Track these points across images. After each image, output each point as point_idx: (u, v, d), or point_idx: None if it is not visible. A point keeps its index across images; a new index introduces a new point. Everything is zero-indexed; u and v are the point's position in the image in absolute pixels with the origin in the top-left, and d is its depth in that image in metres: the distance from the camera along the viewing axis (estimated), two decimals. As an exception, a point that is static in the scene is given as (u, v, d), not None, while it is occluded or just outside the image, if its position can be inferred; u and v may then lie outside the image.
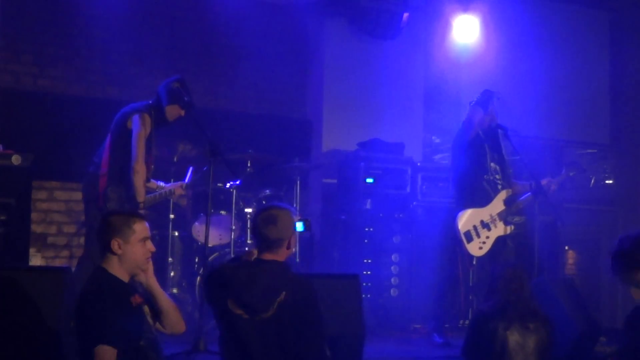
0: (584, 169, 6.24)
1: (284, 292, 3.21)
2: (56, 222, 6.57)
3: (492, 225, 5.32)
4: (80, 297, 3.13)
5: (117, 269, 3.18)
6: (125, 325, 3.05)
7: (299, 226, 3.50)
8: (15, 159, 4.69)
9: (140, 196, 4.81)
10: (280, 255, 3.36)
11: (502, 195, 5.41)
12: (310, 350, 3.22)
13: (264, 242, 3.33)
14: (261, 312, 3.19)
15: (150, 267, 3.28)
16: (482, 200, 5.37)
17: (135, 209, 4.77)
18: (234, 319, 3.22)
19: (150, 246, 3.25)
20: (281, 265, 3.35)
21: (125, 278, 3.20)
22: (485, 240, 5.30)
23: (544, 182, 5.45)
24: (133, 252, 3.18)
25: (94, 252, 4.80)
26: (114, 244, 3.15)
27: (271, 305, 3.19)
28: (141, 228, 3.22)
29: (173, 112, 5.03)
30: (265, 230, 3.30)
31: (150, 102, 5.03)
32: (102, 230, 3.21)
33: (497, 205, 5.39)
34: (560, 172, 5.72)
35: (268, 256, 3.33)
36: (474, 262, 5.45)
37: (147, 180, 5.01)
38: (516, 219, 5.44)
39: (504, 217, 5.34)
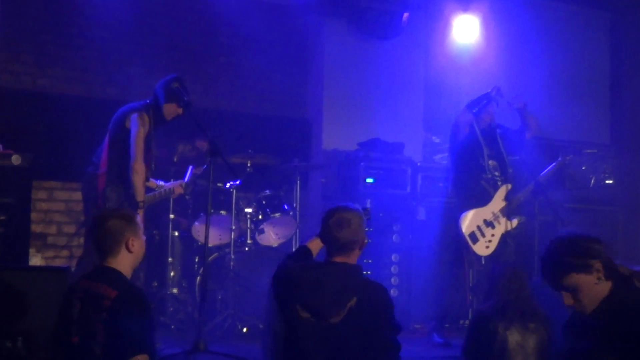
0: (581, 154, 6.24)
1: (355, 297, 3.08)
2: (56, 222, 6.57)
3: (495, 223, 5.32)
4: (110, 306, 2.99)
5: (126, 268, 3.17)
6: (153, 331, 3.06)
7: None
8: (15, 159, 4.69)
9: (140, 195, 4.81)
10: (352, 258, 3.27)
11: (502, 191, 5.41)
12: (377, 357, 3.09)
13: (337, 245, 3.22)
14: (330, 317, 3.06)
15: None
16: (482, 199, 5.37)
17: (135, 209, 4.78)
18: (300, 322, 3.11)
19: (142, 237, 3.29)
20: (353, 268, 3.24)
21: (128, 277, 3.19)
22: (490, 238, 5.31)
23: (541, 176, 5.45)
24: (142, 247, 3.22)
25: (93, 252, 4.82)
26: (131, 242, 3.15)
27: (341, 309, 3.06)
28: (140, 221, 3.27)
29: (171, 110, 5.02)
30: (338, 233, 3.20)
31: (148, 101, 5.02)
32: (113, 231, 3.16)
33: (498, 202, 5.39)
34: (557, 159, 5.72)
35: (339, 259, 3.22)
36: (483, 262, 5.44)
37: (147, 179, 5.01)
38: (517, 219, 5.45)
39: (506, 212, 5.34)
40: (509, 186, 5.43)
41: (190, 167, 5.50)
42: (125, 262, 3.16)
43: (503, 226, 5.34)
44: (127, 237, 3.15)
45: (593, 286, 2.66)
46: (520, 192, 5.46)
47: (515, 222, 5.40)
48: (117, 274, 3.12)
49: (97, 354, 2.94)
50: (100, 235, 3.17)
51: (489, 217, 5.33)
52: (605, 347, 2.56)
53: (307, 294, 3.10)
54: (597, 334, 2.60)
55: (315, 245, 3.50)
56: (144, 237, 3.27)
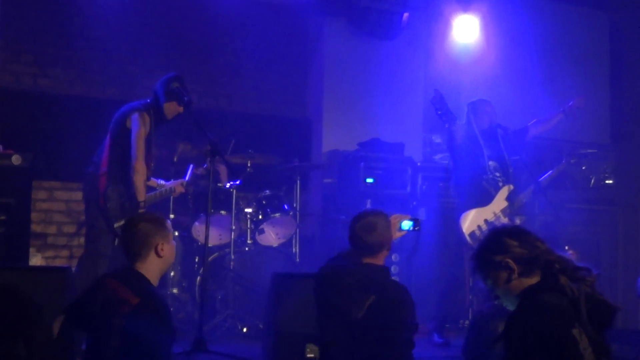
0: (586, 156, 6.25)
1: (373, 296, 3.30)
2: (56, 222, 6.58)
3: (496, 223, 5.32)
4: (138, 311, 2.97)
5: (154, 273, 3.16)
6: (169, 342, 3.07)
7: (406, 225, 3.71)
8: (15, 159, 4.69)
9: (141, 195, 4.81)
10: (379, 259, 3.50)
11: (504, 191, 5.41)
12: (395, 356, 3.28)
13: (364, 249, 3.46)
14: (350, 314, 3.29)
15: None
16: (483, 199, 5.36)
17: (136, 208, 4.78)
18: (328, 318, 3.37)
19: (174, 242, 3.31)
20: (378, 269, 3.46)
21: (156, 282, 3.18)
22: None
23: (543, 178, 5.45)
24: (171, 252, 3.23)
25: (94, 252, 4.82)
26: (160, 247, 3.15)
27: (361, 307, 3.28)
28: (170, 226, 3.28)
29: (171, 109, 5.02)
30: (365, 237, 3.43)
31: (149, 100, 5.01)
32: (143, 235, 3.15)
33: (500, 202, 5.38)
34: (560, 162, 5.72)
35: (367, 260, 3.46)
36: None
37: (148, 178, 5.01)
38: (517, 218, 5.45)
39: (507, 213, 5.34)
40: (511, 187, 5.43)
41: (191, 166, 5.50)
42: (153, 266, 3.15)
43: None
44: (157, 242, 3.15)
45: (505, 284, 2.58)
46: (522, 193, 5.46)
47: (516, 222, 5.40)
48: (144, 280, 3.11)
49: (108, 356, 2.92)
50: (130, 239, 3.17)
51: (490, 217, 5.33)
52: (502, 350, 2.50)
53: (333, 292, 3.36)
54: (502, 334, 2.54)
55: None
56: (174, 243, 3.27)
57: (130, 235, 3.17)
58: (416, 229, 3.74)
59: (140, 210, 4.79)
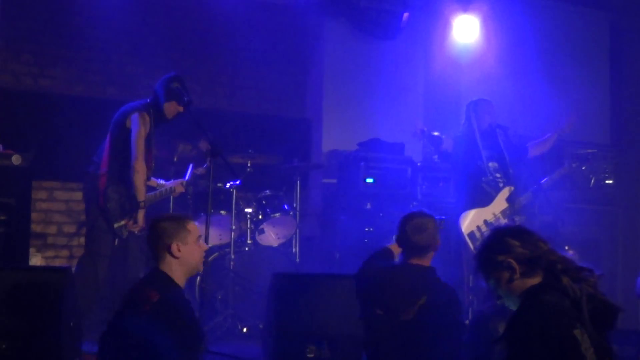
0: (587, 158, 6.25)
1: (424, 297, 3.35)
2: (56, 222, 6.57)
3: (495, 224, 5.32)
4: (159, 308, 3.01)
5: (176, 273, 3.16)
6: (188, 339, 3.05)
7: None
8: (15, 159, 4.69)
9: (141, 195, 4.81)
10: (426, 260, 3.55)
11: (505, 193, 5.41)
12: (446, 355, 3.32)
13: (413, 249, 3.50)
14: (401, 314, 3.34)
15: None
16: (483, 200, 5.37)
17: (136, 208, 4.78)
18: (376, 318, 3.41)
19: (203, 245, 3.27)
20: (426, 270, 3.51)
21: (182, 283, 3.18)
22: None
23: (544, 181, 5.45)
24: (191, 253, 3.18)
25: (94, 252, 4.82)
26: (174, 247, 3.13)
27: (411, 307, 3.34)
28: (193, 228, 3.24)
29: (171, 109, 5.02)
30: (415, 237, 3.48)
31: (148, 100, 5.01)
32: (158, 235, 3.17)
33: (500, 203, 5.38)
34: (562, 166, 5.72)
35: (415, 261, 3.51)
36: None
37: (148, 178, 5.01)
38: (517, 218, 5.44)
39: (507, 215, 5.34)
40: (512, 188, 5.43)
41: (191, 165, 5.50)
42: (172, 267, 3.15)
43: None
44: (171, 242, 3.13)
45: (507, 284, 2.56)
46: (522, 194, 5.45)
47: (515, 221, 5.40)
48: (166, 279, 3.12)
49: (124, 351, 2.97)
50: (148, 239, 3.22)
51: (490, 218, 5.33)
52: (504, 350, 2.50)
53: (382, 293, 3.42)
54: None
55: (396, 248, 3.75)
56: (199, 244, 3.23)
57: (149, 235, 3.22)
58: (441, 227, 3.80)
59: (140, 210, 4.79)
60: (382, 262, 3.65)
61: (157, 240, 3.16)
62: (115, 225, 4.77)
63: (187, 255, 3.16)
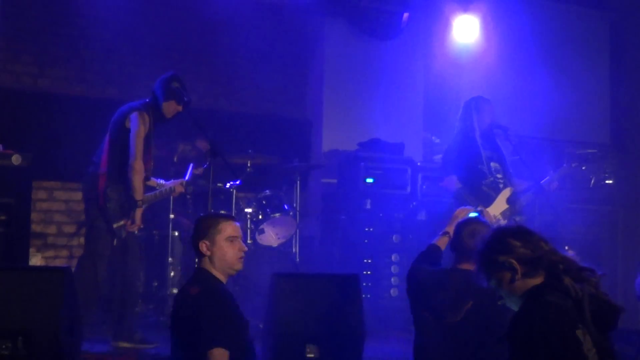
0: (587, 158, 6.24)
1: (471, 301, 3.41)
2: (56, 222, 6.57)
3: (495, 225, 5.31)
4: (182, 300, 3.20)
5: (213, 270, 3.26)
6: (234, 326, 3.13)
7: (473, 216, 3.82)
8: (15, 159, 4.69)
9: (139, 194, 4.79)
10: (474, 266, 3.56)
11: (505, 193, 5.40)
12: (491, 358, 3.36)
13: (465, 254, 3.53)
14: (448, 317, 3.42)
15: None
16: (483, 201, 5.36)
17: (134, 208, 4.77)
18: (423, 320, 3.51)
19: (240, 245, 3.32)
20: (475, 274, 3.50)
21: (222, 278, 3.27)
22: None
23: (544, 182, 5.44)
24: (221, 252, 3.25)
25: (94, 252, 4.82)
26: (202, 246, 3.24)
27: (459, 311, 3.41)
28: (227, 228, 3.31)
29: (170, 108, 5.00)
30: (469, 242, 3.50)
31: (148, 100, 5.00)
32: (193, 233, 3.31)
33: (500, 204, 5.38)
34: (561, 166, 5.71)
35: (464, 266, 3.56)
36: None
37: (147, 178, 5.00)
38: (517, 218, 5.44)
39: (507, 216, 5.33)
40: (512, 189, 5.42)
41: (191, 165, 5.49)
42: (208, 264, 3.26)
43: None
44: (200, 240, 3.25)
45: (508, 284, 2.56)
46: (522, 195, 5.44)
47: (516, 221, 5.39)
48: (207, 275, 3.24)
49: (174, 342, 3.18)
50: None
51: (490, 218, 5.32)
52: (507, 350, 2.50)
53: (430, 296, 3.51)
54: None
55: (442, 243, 3.83)
56: (233, 244, 3.29)
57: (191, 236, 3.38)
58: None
59: (137, 210, 4.78)
60: (430, 266, 3.72)
61: (192, 238, 3.31)
62: (115, 226, 4.76)
63: (217, 254, 3.25)
